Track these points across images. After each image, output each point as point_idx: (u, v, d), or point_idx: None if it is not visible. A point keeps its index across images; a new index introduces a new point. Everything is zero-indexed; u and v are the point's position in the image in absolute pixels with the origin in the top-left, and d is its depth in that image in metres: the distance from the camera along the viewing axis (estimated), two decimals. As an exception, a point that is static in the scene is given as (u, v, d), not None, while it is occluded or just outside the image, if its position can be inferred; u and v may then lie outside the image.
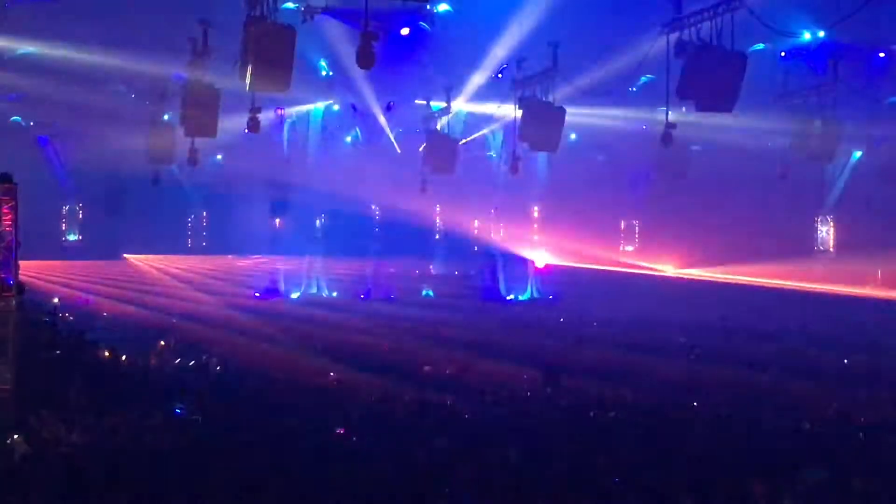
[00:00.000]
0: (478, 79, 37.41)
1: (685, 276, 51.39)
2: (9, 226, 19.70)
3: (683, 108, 31.35)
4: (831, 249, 51.47)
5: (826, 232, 51.59)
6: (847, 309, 43.38)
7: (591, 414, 22.40)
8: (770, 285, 47.33)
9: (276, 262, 54.46)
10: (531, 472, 16.74)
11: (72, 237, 51.65)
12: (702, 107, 27.78)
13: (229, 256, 55.25)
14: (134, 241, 50.36)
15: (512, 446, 18.23)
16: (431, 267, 59.01)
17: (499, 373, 28.59)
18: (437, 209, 57.84)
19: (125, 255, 51.42)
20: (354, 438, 19.29)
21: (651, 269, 52.68)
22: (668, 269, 52.34)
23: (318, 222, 55.86)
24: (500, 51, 34.82)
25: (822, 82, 32.77)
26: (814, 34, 31.44)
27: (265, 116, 33.82)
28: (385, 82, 38.26)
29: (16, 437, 18.67)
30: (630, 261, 54.59)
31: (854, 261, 46.10)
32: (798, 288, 45.93)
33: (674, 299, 48.63)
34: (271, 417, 21.21)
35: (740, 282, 48.70)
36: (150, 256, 52.67)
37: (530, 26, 31.92)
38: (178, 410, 20.61)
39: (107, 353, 27.58)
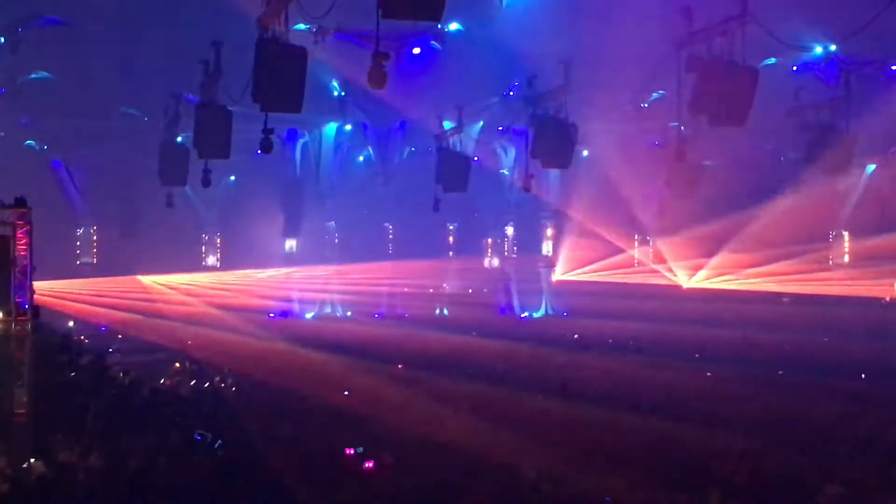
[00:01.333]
0: (489, 97, 37.51)
1: (700, 288, 51.22)
2: (23, 250, 19.73)
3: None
4: (846, 262, 51.32)
5: (841, 245, 51.45)
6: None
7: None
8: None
9: (292, 277, 54.27)
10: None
11: (86, 259, 51.75)
12: (714, 122, 27.70)
13: (246, 271, 54.83)
14: (148, 262, 50.35)
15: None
16: (445, 285, 58.96)
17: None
18: (450, 228, 57.89)
19: (139, 277, 51.44)
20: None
21: (666, 281, 52.48)
22: (683, 281, 52.15)
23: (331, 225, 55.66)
24: (511, 69, 34.92)
25: (834, 96, 32.65)
26: (825, 48, 31.41)
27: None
28: (397, 101, 38.35)
29: (32, 460, 18.68)
30: (645, 275, 54.49)
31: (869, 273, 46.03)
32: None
33: (688, 313, 48.52)
34: (286, 439, 21.21)
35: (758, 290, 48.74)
36: (165, 277, 52.57)
37: (542, 44, 31.97)
38: (198, 437, 20.50)
39: (122, 376, 27.60)
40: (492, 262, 59.42)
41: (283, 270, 53.90)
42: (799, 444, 21.32)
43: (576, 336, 47.01)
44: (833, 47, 31.09)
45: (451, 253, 59.29)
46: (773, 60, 31.94)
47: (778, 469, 18.88)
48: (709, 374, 34.06)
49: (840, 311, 45.01)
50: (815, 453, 20.19)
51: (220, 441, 20.42)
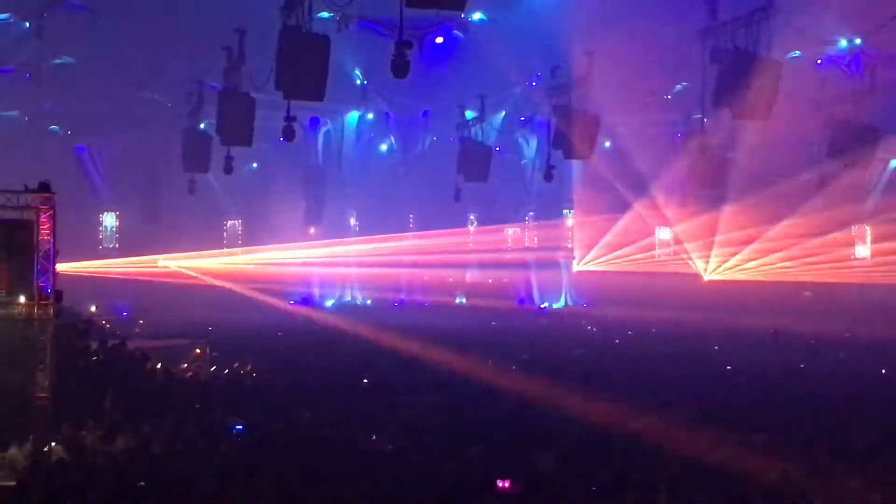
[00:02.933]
0: (512, 87, 37.45)
1: (721, 280, 51.03)
2: (47, 234, 19.83)
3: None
4: (868, 257, 51.11)
5: (863, 240, 51.23)
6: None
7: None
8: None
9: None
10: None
11: (109, 244, 51.92)
12: (738, 114, 27.61)
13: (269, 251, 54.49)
14: (170, 247, 50.43)
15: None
16: (468, 274, 58.90)
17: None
18: (472, 217, 57.78)
19: (161, 262, 51.52)
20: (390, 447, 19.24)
21: (687, 271, 52.24)
22: (704, 272, 51.91)
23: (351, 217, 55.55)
24: (534, 59, 34.86)
25: (858, 89, 32.47)
26: (850, 41, 31.25)
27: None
28: (419, 90, 38.36)
29: (53, 444, 18.82)
30: (666, 266, 54.30)
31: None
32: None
33: (709, 305, 48.46)
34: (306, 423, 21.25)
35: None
36: (186, 257, 52.50)
37: (565, 34, 31.91)
38: (237, 427, 20.45)
39: (143, 361, 27.69)
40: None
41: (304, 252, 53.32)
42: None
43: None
44: (858, 41, 30.91)
45: (470, 243, 59.18)
46: (797, 53, 31.78)
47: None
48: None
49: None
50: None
51: (240, 427, 20.44)
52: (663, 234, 54.18)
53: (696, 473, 16.93)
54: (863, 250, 51.20)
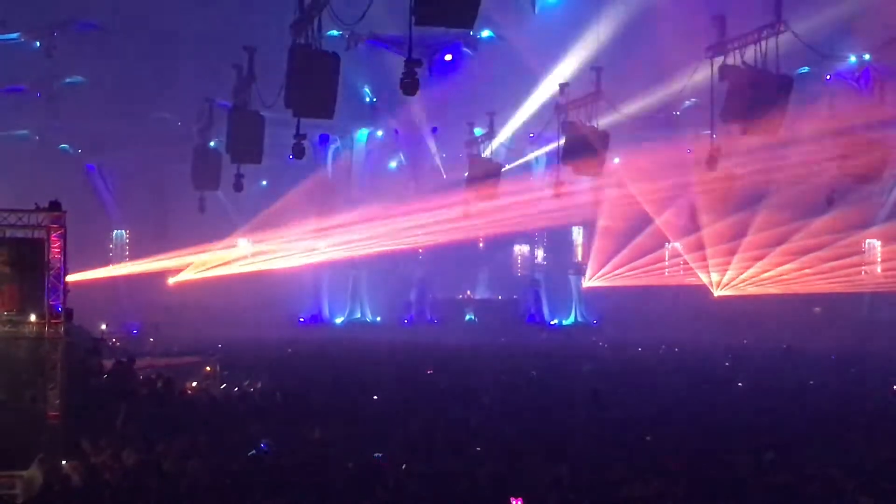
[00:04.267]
0: (521, 104, 37.50)
1: (731, 295, 51.00)
2: (57, 253, 19.90)
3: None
4: (879, 270, 51.10)
5: (873, 253, 51.22)
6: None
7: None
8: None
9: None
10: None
11: (119, 262, 52.05)
12: (747, 130, 27.58)
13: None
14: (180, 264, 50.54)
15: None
16: (469, 292, 58.89)
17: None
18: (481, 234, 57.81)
19: (171, 280, 51.61)
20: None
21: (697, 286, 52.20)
22: (713, 287, 51.87)
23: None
24: (543, 76, 34.90)
25: (868, 105, 32.44)
26: (860, 57, 31.23)
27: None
28: (429, 108, 38.44)
29: (65, 462, 18.81)
30: (675, 281, 54.30)
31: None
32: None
33: (721, 320, 48.42)
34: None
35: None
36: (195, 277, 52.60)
37: (573, 51, 31.96)
38: (263, 446, 20.35)
39: (153, 379, 27.72)
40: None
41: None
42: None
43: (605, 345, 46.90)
44: (867, 56, 30.88)
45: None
46: (806, 69, 31.77)
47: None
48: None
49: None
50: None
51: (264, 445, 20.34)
52: (672, 248, 54.17)
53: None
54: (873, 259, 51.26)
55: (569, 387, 30.21)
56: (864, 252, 50.96)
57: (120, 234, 52.52)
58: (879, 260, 51.17)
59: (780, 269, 48.81)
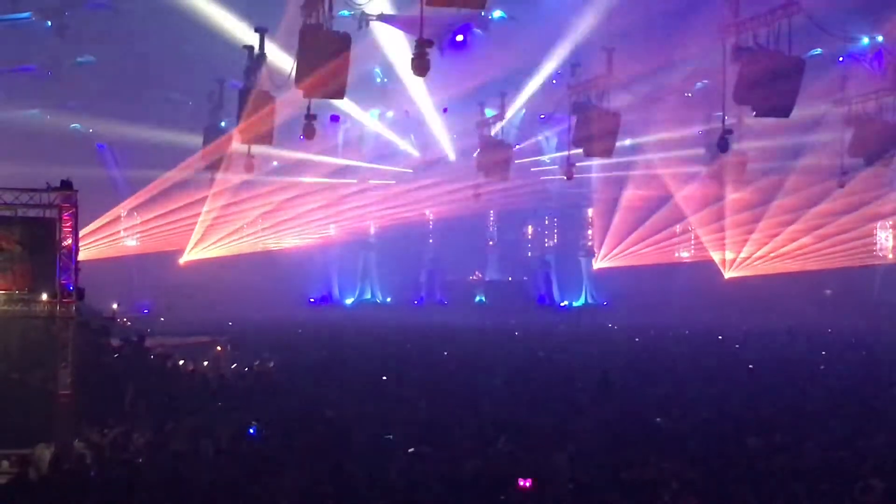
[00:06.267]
0: (532, 84, 37.39)
1: (741, 276, 50.91)
2: (69, 232, 19.93)
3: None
4: (890, 256, 51.00)
5: (885, 238, 51.11)
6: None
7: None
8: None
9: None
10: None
11: (130, 242, 52.07)
12: (759, 112, 27.49)
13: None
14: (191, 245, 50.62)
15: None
16: (479, 273, 58.91)
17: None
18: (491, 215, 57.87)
19: (181, 260, 51.68)
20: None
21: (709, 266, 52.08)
22: (724, 267, 51.75)
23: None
24: (554, 56, 34.79)
25: (880, 87, 32.28)
26: (872, 38, 31.07)
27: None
28: (440, 88, 38.37)
29: (76, 441, 18.90)
30: (687, 262, 54.25)
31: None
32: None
33: (731, 302, 48.41)
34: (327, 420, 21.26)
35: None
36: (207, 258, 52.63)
37: (585, 32, 31.84)
38: (251, 430, 20.42)
39: (164, 359, 27.81)
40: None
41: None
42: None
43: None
44: (880, 38, 30.72)
45: (490, 242, 59.22)
46: (819, 51, 31.62)
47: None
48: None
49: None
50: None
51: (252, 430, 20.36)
52: (685, 225, 53.87)
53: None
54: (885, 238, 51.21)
55: (579, 368, 30.22)
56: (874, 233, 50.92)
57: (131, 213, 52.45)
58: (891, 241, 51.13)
59: (796, 242, 48.60)
